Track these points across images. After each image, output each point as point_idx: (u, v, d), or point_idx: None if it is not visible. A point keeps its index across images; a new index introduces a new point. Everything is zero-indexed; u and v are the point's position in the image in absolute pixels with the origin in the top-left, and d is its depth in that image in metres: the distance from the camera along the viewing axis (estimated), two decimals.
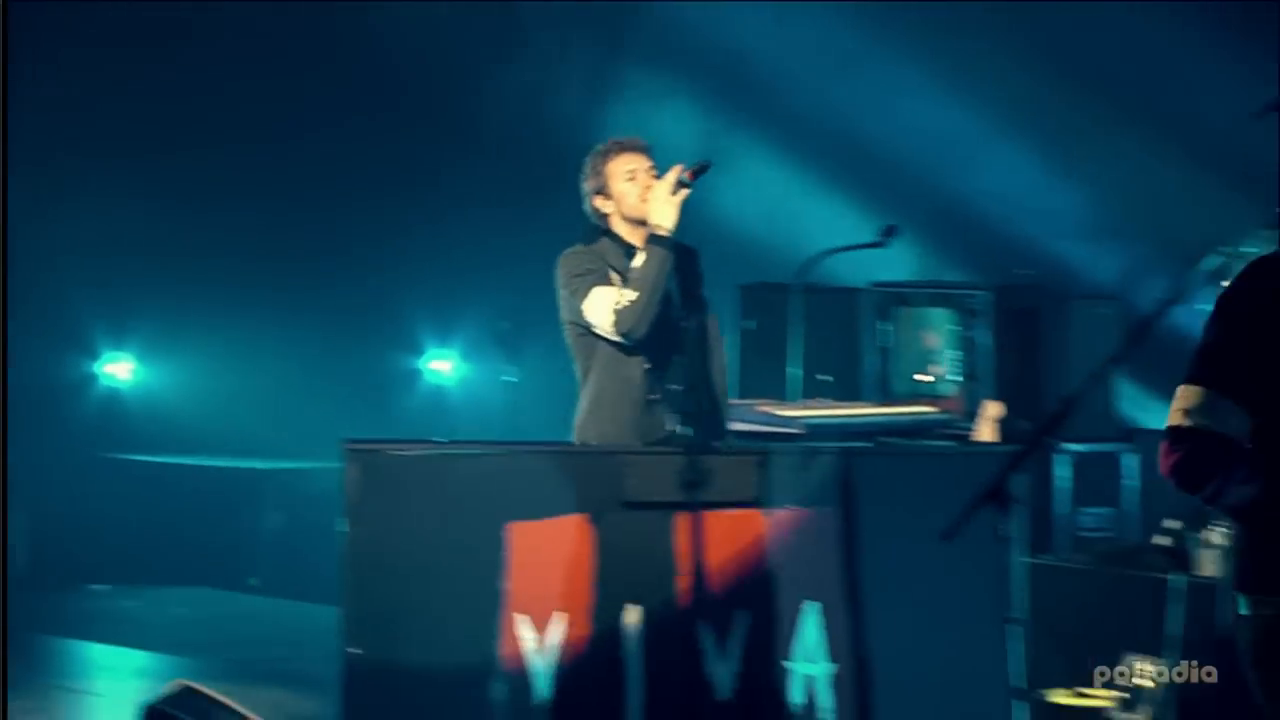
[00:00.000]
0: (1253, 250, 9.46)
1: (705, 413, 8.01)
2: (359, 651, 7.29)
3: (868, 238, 10.79)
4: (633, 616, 7.55)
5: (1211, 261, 7.15)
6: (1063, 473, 10.97)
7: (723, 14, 14.07)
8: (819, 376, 11.22)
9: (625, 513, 7.57)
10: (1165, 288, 6.89)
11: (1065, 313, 11.36)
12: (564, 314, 8.13)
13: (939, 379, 11.19)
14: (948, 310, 11.29)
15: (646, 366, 7.99)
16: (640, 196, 8.05)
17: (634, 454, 7.77)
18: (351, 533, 7.34)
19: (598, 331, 8.00)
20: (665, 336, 8.00)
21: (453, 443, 8.10)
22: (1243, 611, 5.39)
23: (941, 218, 13.09)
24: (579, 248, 8.18)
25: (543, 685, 7.43)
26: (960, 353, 11.12)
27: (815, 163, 13.98)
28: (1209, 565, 8.82)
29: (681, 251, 8.09)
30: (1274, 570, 5.31)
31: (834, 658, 7.79)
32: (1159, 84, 12.97)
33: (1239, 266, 9.30)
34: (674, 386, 8.03)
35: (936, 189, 13.18)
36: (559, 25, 15.06)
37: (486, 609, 7.42)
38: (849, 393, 11.05)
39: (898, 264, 11.88)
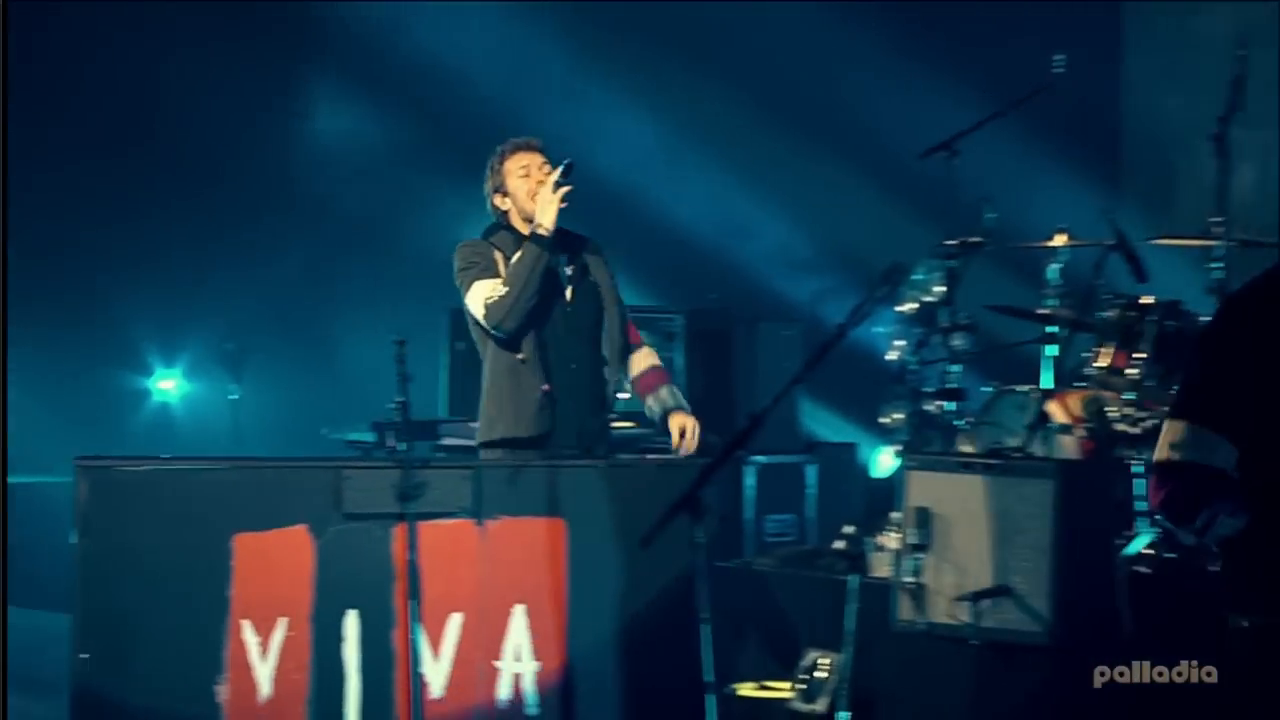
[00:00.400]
0: (920, 278, 9.74)
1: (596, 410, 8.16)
2: (88, 657, 7.30)
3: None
4: (352, 621, 7.58)
5: (891, 288, 7.33)
6: (750, 482, 11.14)
7: (408, 18, 13.92)
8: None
9: (345, 524, 7.61)
10: (845, 311, 7.00)
11: (754, 334, 11.58)
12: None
13: None
14: (647, 333, 11.42)
15: (521, 357, 7.99)
16: (530, 192, 8.08)
17: (353, 467, 7.81)
18: (83, 544, 7.38)
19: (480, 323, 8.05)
20: (560, 332, 8.07)
21: (180, 458, 8.09)
22: (1234, 625, 5.34)
23: (641, 241, 13.20)
24: (472, 241, 8.19)
25: (265, 686, 7.46)
26: None
27: None
28: (881, 567, 9.01)
29: (581, 243, 8.25)
30: (1260, 590, 5.26)
31: (539, 657, 7.86)
32: (853, 117, 13.21)
33: (912, 293, 9.57)
34: (572, 365, 8.10)
35: (636, 211, 13.26)
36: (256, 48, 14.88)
37: (213, 615, 7.46)
38: None
39: None
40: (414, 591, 7.40)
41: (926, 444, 9.71)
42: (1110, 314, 9.54)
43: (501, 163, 8.16)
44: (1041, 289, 9.78)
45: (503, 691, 7.82)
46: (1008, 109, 10.23)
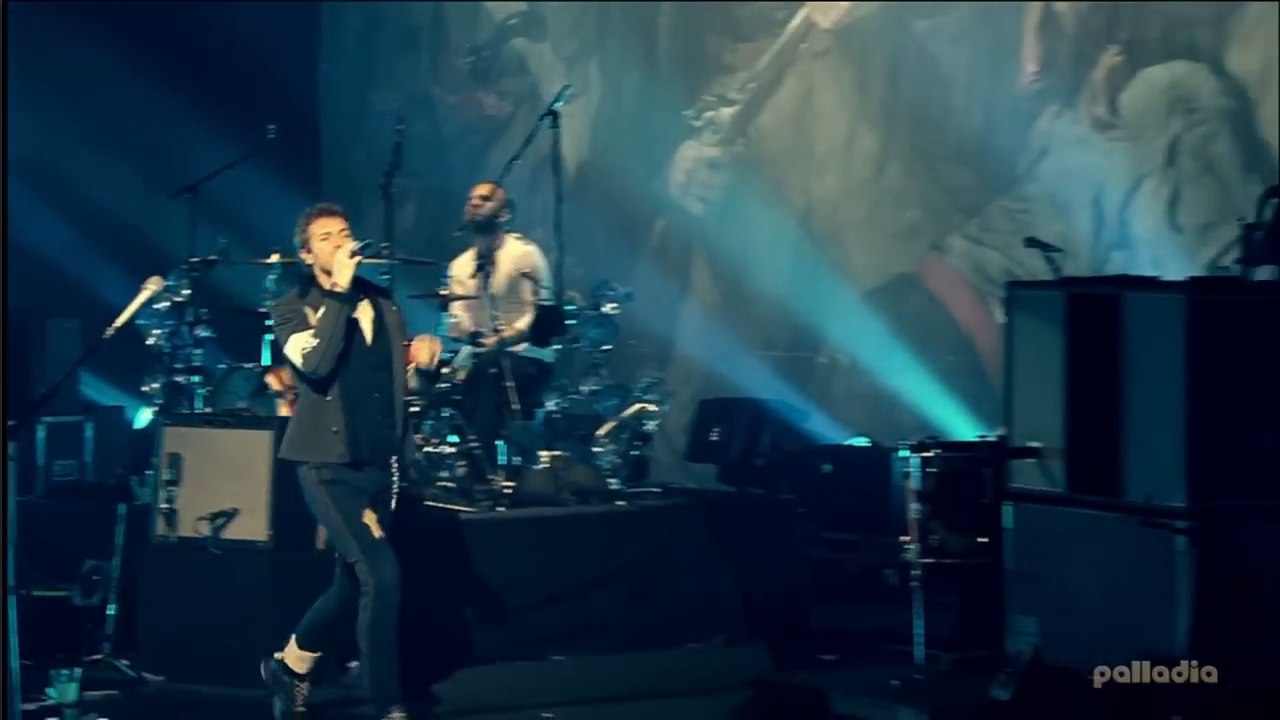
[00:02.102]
0: (171, 283, 9.88)
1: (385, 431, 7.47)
2: None
3: None
4: None
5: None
6: (41, 436, 10.79)
7: None
8: None
9: None
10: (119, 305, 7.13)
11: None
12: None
13: None
14: None
15: (328, 399, 7.35)
16: (330, 254, 7.37)
17: None
18: None
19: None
20: (360, 368, 7.40)
21: None
22: None
23: None
24: (285, 298, 7.59)
25: None
26: None
27: None
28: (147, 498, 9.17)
29: (378, 292, 7.64)
30: None
31: None
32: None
33: (165, 295, 9.62)
34: (375, 395, 7.42)
35: None
36: None
37: None
38: None
39: None
40: None
41: (177, 406, 9.86)
42: None
43: (307, 225, 7.48)
44: (263, 292, 10.13)
45: None
46: (236, 163, 10.41)
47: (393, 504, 7.50)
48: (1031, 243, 8.91)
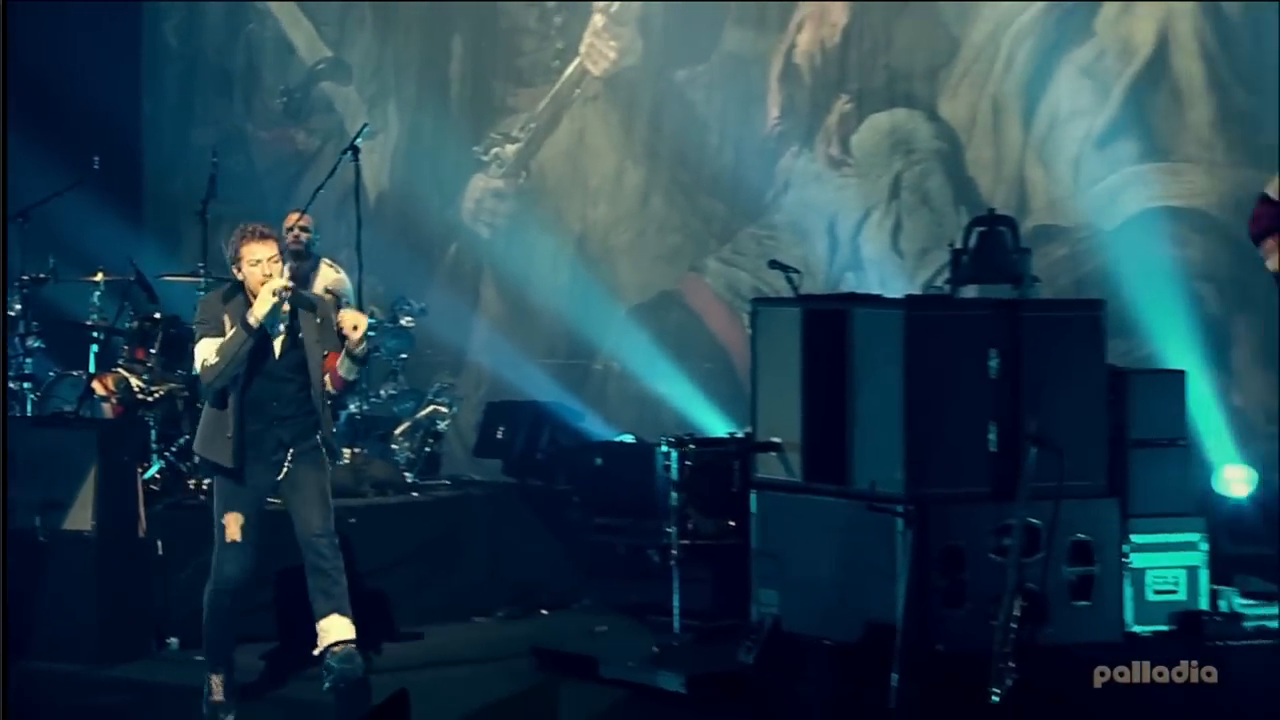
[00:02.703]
0: None
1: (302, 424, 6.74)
2: None
3: None
4: None
5: None
6: None
7: None
8: None
9: None
10: None
11: None
12: None
13: None
14: None
15: (224, 410, 6.63)
16: (258, 281, 6.54)
17: None
18: None
19: None
20: (264, 381, 6.65)
21: None
22: None
23: None
24: (211, 296, 6.88)
25: None
26: None
27: None
28: None
29: (304, 302, 6.75)
30: None
31: None
32: None
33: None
34: (274, 404, 6.70)
35: None
36: None
37: None
38: None
39: None
40: None
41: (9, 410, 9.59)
42: (133, 324, 9.75)
43: (239, 245, 6.65)
44: (89, 307, 9.94)
45: None
46: (63, 191, 10.16)
47: (305, 474, 6.78)
48: (775, 265, 9.01)
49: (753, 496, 7.60)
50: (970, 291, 7.85)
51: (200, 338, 6.64)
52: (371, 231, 10.22)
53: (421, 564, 9.17)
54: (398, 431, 10.20)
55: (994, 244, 7.86)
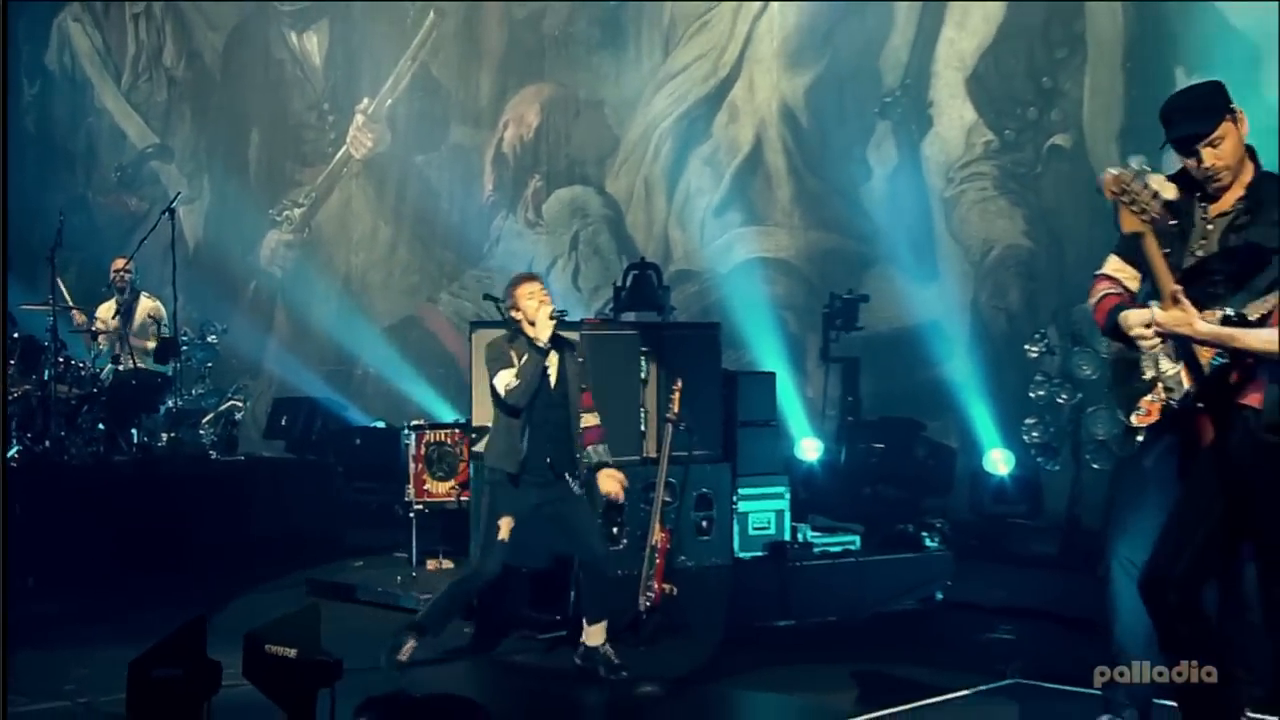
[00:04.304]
0: None
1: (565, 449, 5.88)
2: None
3: None
4: None
5: None
6: None
7: None
8: None
9: None
10: None
11: None
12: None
13: None
14: None
15: (516, 422, 5.82)
16: (535, 311, 5.81)
17: None
18: None
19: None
20: (543, 403, 5.84)
21: None
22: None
23: None
24: (498, 339, 5.95)
25: None
26: None
27: None
28: None
29: (564, 344, 5.96)
30: None
31: None
32: None
33: None
34: (549, 425, 5.88)
35: None
36: None
37: None
38: None
39: None
40: None
41: None
42: None
43: (514, 288, 5.89)
44: None
45: None
46: None
47: (577, 505, 5.96)
48: (488, 298, 8.75)
49: (472, 467, 7.38)
50: (629, 316, 7.83)
51: (497, 371, 5.89)
52: (190, 272, 9.91)
53: (220, 523, 8.63)
54: (205, 420, 9.97)
55: (645, 283, 7.97)
